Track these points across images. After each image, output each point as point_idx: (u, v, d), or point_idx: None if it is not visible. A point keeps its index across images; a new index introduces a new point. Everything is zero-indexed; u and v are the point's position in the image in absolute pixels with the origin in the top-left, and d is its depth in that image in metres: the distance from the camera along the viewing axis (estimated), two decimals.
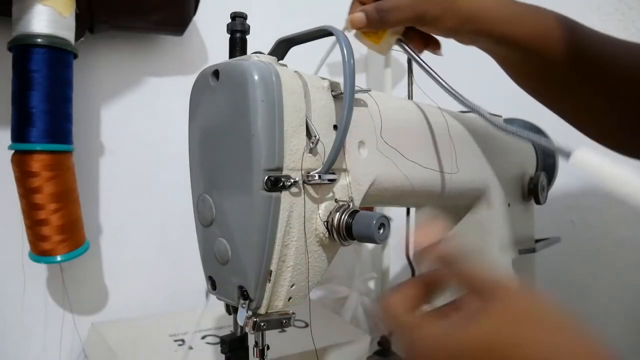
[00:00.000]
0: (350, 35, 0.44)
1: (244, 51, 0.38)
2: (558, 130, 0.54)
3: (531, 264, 0.64)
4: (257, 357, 0.39)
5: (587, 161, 0.34)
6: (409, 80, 0.55)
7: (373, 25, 0.44)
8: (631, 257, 0.73)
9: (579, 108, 0.49)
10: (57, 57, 0.58)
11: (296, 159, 0.34)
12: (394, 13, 0.43)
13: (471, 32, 0.44)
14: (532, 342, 0.26)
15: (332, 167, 0.35)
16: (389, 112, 0.43)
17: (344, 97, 0.34)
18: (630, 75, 0.44)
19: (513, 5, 0.45)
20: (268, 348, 0.39)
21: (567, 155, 0.35)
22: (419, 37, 0.48)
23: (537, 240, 0.65)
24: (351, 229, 0.35)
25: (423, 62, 0.45)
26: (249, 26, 0.38)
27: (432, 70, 0.44)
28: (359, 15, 0.44)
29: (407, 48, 0.46)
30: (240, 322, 0.35)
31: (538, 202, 0.63)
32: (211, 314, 0.73)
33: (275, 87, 0.33)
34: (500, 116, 0.66)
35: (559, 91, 0.48)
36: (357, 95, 0.38)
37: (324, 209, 0.36)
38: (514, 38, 0.44)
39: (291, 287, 0.36)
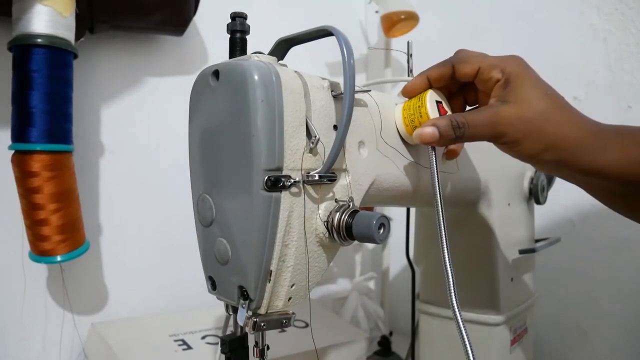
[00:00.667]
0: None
1: (244, 51, 0.38)
2: None
3: (531, 264, 0.64)
4: (257, 357, 0.39)
5: None
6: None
7: (444, 142, 0.40)
8: (631, 257, 0.73)
9: None
10: (57, 57, 0.58)
11: (296, 159, 0.34)
12: (472, 130, 0.39)
13: (553, 161, 0.39)
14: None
15: (332, 167, 0.35)
16: (389, 112, 0.43)
17: (344, 97, 0.34)
18: None
19: (601, 133, 0.40)
20: (268, 348, 0.39)
21: None
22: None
23: (537, 240, 0.65)
24: (351, 229, 0.35)
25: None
26: (249, 26, 0.38)
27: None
28: (431, 131, 0.39)
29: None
30: (240, 322, 0.35)
31: (538, 202, 0.63)
32: (211, 314, 0.73)
33: (275, 87, 0.33)
34: None
35: None
36: (357, 95, 0.38)
37: (324, 209, 0.36)
38: (601, 168, 0.39)
39: (291, 287, 0.36)
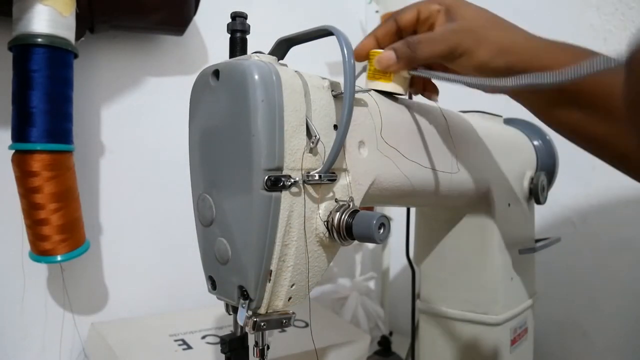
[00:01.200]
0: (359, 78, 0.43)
1: (244, 51, 0.38)
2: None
3: (531, 264, 0.64)
4: (257, 357, 0.39)
5: None
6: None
7: (403, 62, 0.41)
8: (631, 257, 0.73)
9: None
10: (57, 57, 0.58)
11: (296, 159, 0.34)
12: (427, 46, 0.41)
13: (504, 66, 0.41)
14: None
15: (332, 167, 0.35)
16: (389, 112, 0.43)
17: (344, 97, 0.34)
18: None
19: (541, 40, 0.43)
20: (268, 348, 0.39)
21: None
22: (418, 80, 0.47)
23: (537, 240, 0.65)
24: (351, 229, 0.35)
25: (442, 76, 0.42)
26: (249, 26, 0.38)
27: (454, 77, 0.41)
28: (388, 54, 0.41)
29: (421, 73, 0.43)
30: (240, 322, 0.35)
31: (538, 202, 0.63)
32: (211, 314, 0.73)
33: (276, 87, 0.33)
34: (501, 116, 0.66)
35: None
36: (357, 95, 0.38)
37: (324, 208, 0.36)
38: (548, 68, 0.40)
39: (291, 287, 0.36)
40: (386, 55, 0.41)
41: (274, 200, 0.33)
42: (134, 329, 0.68)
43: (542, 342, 0.80)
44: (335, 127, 0.37)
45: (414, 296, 0.63)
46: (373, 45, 0.44)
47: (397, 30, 0.45)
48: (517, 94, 0.46)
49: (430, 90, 0.48)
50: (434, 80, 0.47)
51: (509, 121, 0.68)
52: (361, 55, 0.45)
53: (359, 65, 0.44)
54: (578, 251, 0.78)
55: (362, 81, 0.45)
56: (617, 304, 0.74)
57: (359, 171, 0.39)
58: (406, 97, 0.52)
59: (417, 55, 0.41)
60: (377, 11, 0.94)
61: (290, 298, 0.36)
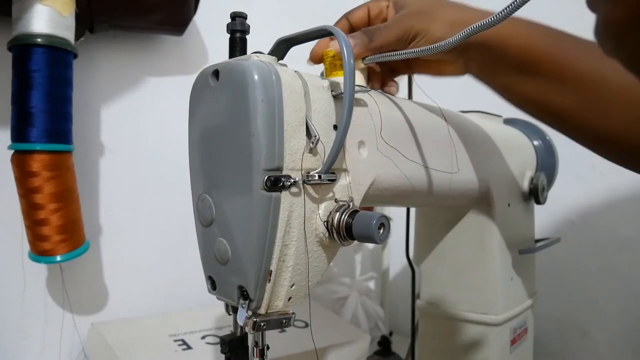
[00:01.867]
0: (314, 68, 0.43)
1: (244, 51, 0.38)
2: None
3: (531, 264, 0.64)
4: (257, 357, 0.39)
5: None
6: (409, 80, 0.55)
7: (360, 48, 0.43)
8: (631, 257, 0.73)
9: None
10: (57, 57, 0.58)
11: (296, 159, 0.34)
12: (383, 32, 0.43)
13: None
14: None
15: (332, 167, 0.35)
16: (389, 112, 0.43)
17: (344, 97, 0.34)
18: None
19: (491, 14, 0.44)
20: (268, 348, 0.39)
21: None
22: (376, 76, 0.48)
23: (537, 240, 0.65)
24: (351, 229, 0.35)
25: (390, 55, 0.43)
26: (249, 26, 0.38)
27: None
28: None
29: (372, 60, 0.45)
30: (240, 322, 0.35)
31: (538, 202, 0.63)
32: (211, 314, 0.73)
33: (275, 87, 0.33)
34: (501, 116, 0.66)
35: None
36: (357, 95, 0.38)
37: (324, 209, 0.36)
38: (507, 37, 0.43)
39: (291, 287, 0.36)
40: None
41: (273, 201, 0.33)
42: (134, 329, 0.67)
43: (542, 342, 0.80)
44: (335, 127, 0.37)
45: (414, 296, 0.63)
46: (326, 45, 0.46)
47: (350, 29, 0.46)
48: (482, 75, 0.47)
49: (389, 85, 0.49)
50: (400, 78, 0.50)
51: (509, 121, 0.68)
52: (317, 56, 0.46)
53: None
54: (578, 251, 0.78)
55: (361, 81, 0.45)
56: (617, 303, 0.74)
57: (358, 171, 0.39)
58: (406, 97, 0.52)
59: (374, 41, 0.43)
60: None
61: (290, 298, 0.36)
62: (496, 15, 0.32)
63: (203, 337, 0.67)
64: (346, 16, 0.46)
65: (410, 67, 0.51)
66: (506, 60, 0.44)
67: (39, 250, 0.60)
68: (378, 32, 0.43)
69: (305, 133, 0.35)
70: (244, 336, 0.40)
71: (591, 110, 0.43)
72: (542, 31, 0.45)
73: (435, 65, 0.48)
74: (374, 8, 0.45)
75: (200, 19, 0.78)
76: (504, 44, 0.44)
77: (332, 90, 0.38)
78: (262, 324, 0.35)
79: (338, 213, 0.36)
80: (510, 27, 0.44)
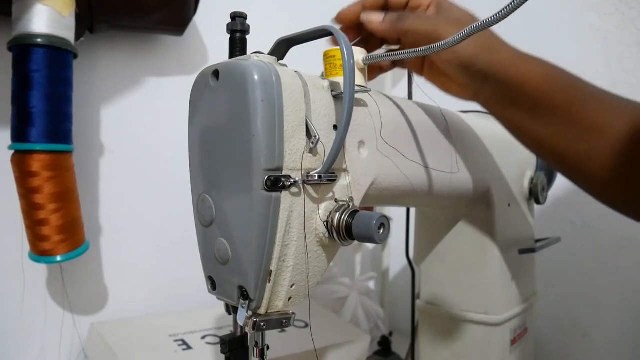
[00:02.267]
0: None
1: (244, 51, 0.38)
2: None
3: (531, 264, 0.64)
4: (257, 357, 0.39)
5: None
6: (409, 80, 0.55)
7: (387, 25, 0.44)
8: (631, 257, 0.73)
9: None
10: (57, 57, 0.58)
11: (296, 159, 0.34)
12: (414, 20, 0.43)
13: (485, 62, 0.44)
14: None
15: (332, 167, 0.35)
16: (389, 112, 0.43)
17: (344, 97, 0.34)
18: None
19: (517, 49, 0.46)
20: (268, 348, 0.39)
21: None
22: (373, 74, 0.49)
23: (537, 240, 0.65)
24: (351, 229, 0.35)
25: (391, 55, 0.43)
26: (249, 26, 0.38)
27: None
28: (377, 15, 0.44)
29: (374, 60, 0.45)
30: (240, 322, 0.35)
31: (538, 202, 0.63)
32: (211, 314, 0.73)
33: (275, 87, 0.33)
34: None
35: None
36: (357, 95, 0.38)
37: (324, 209, 0.36)
38: (523, 78, 0.44)
39: (291, 287, 0.36)
40: (375, 15, 0.44)
41: (273, 201, 0.33)
42: (133, 329, 0.67)
43: (542, 342, 0.80)
44: (335, 127, 0.37)
45: (414, 296, 0.63)
46: (359, 9, 0.46)
47: (384, 4, 0.47)
48: (491, 106, 0.47)
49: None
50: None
51: None
52: (344, 20, 0.47)
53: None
54: (578, 251, 0.78)
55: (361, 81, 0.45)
56: (617, 303, 0.74)
57: (358, 171, 0.39)
58: (406, 97, 0.52)
59: (402, 23, 0.43)
60: None
61: (290, 298, 0.36)
62: (495, 15, 0.32)
63: (203, 337, 0.67)
64: None
65: (422, 69, 0.51)
66: (520, 99, 0.44)
67: (39, 250, 0.60)
68: (410, 19, 0.43)
69: (305, 133, 0.35)
70: (244, 336, 0.40)
71: (596, 160, 0.43)
72: (560, 76, 0.45)
73: (444, 79, 0.48)
74: (416, 0, 0.46)
75: (200, 19, 0.78)
76: (520, 82, 0.44)
77: (332, 90, 0.38)
78: (262, 324, 0.35)
79: (338, 213, 0.36)
80: (530, 66, 0.44)
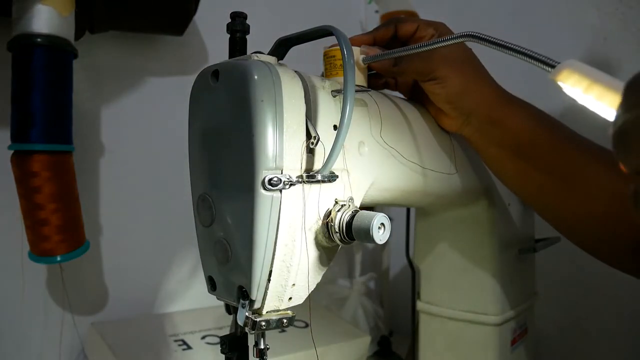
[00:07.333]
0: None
1: (244, 51, 0.38)
2: None
3: (531, 264, 0.64)
4: (257, 357, 0.39)
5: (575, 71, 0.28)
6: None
7: (384, 66, 0.45)
8: None
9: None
10: (57, 57, 0.58)
11: (296, 159, 0.34)
12: (409, 62, 0.45)
13: (469, 104, 0.46)
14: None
15: (332, 167, 0.35)
16: (388, 113, 0.43)
17: (344, 97, 0.34)
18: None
19: (510, 96, 0.48)
20: (268, 348, 0.39)
21: (551, 66, 0.32)
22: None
23: (537, 240, 0.65)
24: (351, 229, 0.35)
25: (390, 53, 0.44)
26: (249, 26, 0.38)
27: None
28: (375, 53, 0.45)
29: (373, 59, 0.46)
30: (240, 322, 0.35)
31: None
32: (211, 314, 0.73)
33: (275, 87, 0.33)
34: None
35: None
36: (357, 95, 0.38)
37: (324, 209, 0.36)
38: (509, 119, 0.46)
39: (291, 287, 0.36)
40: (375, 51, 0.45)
41: (273, 201, 0.33)
42: (133, 329, 0.68)
43: (543, 342, 0.80)
44: (335, 127, 0.37)
45: (414, 296, 0.63)
46: (370, 41, 0.47)
47: (392, 36, 0.47)
48: (475, 141, 0.49)
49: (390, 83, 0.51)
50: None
51: None
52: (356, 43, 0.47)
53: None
54: (578, 251, 0.78)
55: (361, 81, 0.45)
56: (617, 303, 0.74)
57: (358, 171, 0.39)
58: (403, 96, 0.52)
59: (398, 66, 0.45)
60: (376, 11, 0.94)
61: (290, 298, 0.36)
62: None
63: (203, 337, 0.67)
64: (396, 24, 0.47)
65: (413, 95, 0.52)
66: (504, 137, 0.46)
67: (39, 250, 0.60)
68: (406, 60, 0.44)
69: (305, 133, 0.35)
70: (244, 336, 0.40)
71: (572, 201, 0.46)
72: (546, 122, 0.47)
73: (435, 110, 0.48)
74: (422, 30, 0.46)
75: (200, 19, 0.78)
76: (506, 123, 0.46)
77: (332, 90, 0.38)
78: (262, 324, 0.35)
79: (338, 213, 0.36)
80: (517, 109, 0.46)
